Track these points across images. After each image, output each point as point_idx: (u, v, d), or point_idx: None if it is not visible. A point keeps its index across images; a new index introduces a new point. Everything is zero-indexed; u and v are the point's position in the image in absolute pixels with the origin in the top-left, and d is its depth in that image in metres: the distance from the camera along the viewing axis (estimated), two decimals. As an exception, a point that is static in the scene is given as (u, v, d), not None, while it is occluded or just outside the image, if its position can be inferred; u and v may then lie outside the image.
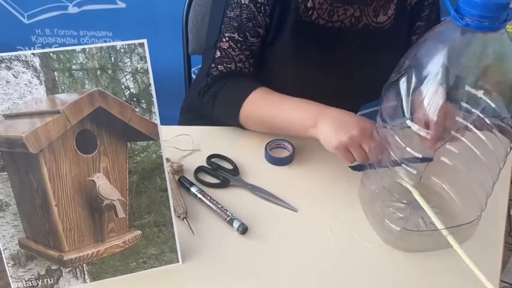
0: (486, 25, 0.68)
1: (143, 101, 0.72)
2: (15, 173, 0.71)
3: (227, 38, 1.04)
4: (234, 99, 1.03)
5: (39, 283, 0.78)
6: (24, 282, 0.77)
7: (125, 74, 0.70)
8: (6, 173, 0.71)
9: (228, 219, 0.89)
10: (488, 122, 0.73)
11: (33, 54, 0.66)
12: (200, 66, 1.20)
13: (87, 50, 0.67)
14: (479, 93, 0.71)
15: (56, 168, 0.71)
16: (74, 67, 0.67)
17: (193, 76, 1.50)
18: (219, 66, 1.06)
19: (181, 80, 1.47)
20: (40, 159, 0.70)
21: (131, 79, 0.70)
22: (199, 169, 1.00)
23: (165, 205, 0.78)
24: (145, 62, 0.70)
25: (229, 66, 1.05)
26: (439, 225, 0.80)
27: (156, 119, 0.73)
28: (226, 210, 0.91)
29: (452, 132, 0.76)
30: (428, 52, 0.74)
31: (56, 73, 0.67)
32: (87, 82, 0.69)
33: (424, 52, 0.75)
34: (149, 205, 0.78)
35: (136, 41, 0.68)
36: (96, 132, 0.72)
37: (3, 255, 0.75)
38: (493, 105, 0.71)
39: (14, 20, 1.81)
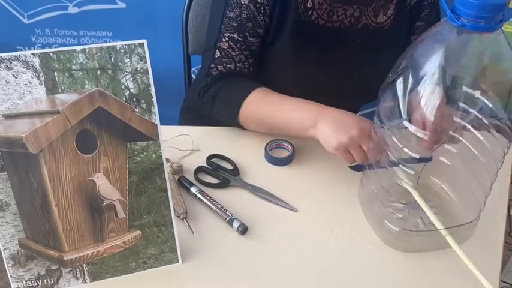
0: (482, 26, 0.67)
1: (143, 101, 0.72)
2: (15, 173, 0.71)
3: (227, 38, 1.04)
4: (234, 99, 1.03)
5: (39, 283, 0.78)
6: (24, 282, 0.77)
7: (125, 74, 0.70)
8: (6, 173, 0.71)
9: (228, 219, 0.89)
10: (485, 121, 0.73)
11: (33, 54, 0.66)
12: (200, 66, 1.21)
13: (87, 50, 0.67)
14: (476, 93, 0.71)
15: (55, 168, 0.71)
16: (73, 67, 0.67)
17: (193, 76, 1.50)
18: (219, 66, 1.06)
19: (181, 80, 1.47)
20: (40, 160, 0.70)
21: (131, 79, 0.70)
22: (199, 169, 1.01)
23: (165, 205, 0.78)
24: (145, 62, 0.70)
25: (228, 66, 1.05)
26: (438, 225, 0.80)
27: (156, 119, 0.73)
28: (226, 211, 0.91)
29: (451, 132, 0.76)
30: (424, 52, 0.74)
31: (55, 73, 0.67)
32: (87, 82, 0.69)
33: (421, 52, 0.75)
34: (149, 205, 0.78)
35: (136, 41, 0.68)
36: (96, 133, 0.72)
37: (3, 255, 0.75)
38: (490, 105, 0.72)
39: (14, 20, 1.81)
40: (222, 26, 1.04)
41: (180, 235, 0.82)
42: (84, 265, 0.78)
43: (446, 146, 0.79)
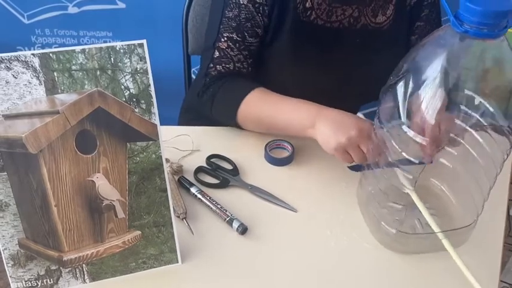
0: (485, 32, 0.67)
1: (143, 101, 0.72)
2: (14, 173, 0.71)
3: (226, 38, 1.04)
4: (232, 99, 1.03)
5: (39, 283, 0.78)
6: (23, 282, 0.77)
7: (125, 74, 0.70)
8: (5, 173, 0.71)
9: (227, 219, 0.90)
10: (486, 126, 0.73)
11: (32, 54, 0.66)
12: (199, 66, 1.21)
13: (87, 50, 0.67)
14: (478, 98, 0.71)
15: (55, 168, 0.71)
16: (73, 67, 0.68)
17: (193, 76, 1.50)
18: (218, 66, 1.06)
19: (181, 80, 1.47)
20: (40, 160, 0.70)
21: (131, 79, 0.70)
22: (199, 169, 1.01)
23: (165, 205, 0.78)
24: (145, 62, 0.70)
25: (227, 66, 1.05)
26: (434, 227, 0.80)
27: (156, 120, 0.73)
28: (226, 211, 0.91)
29: (452, 135, 0.76)
30: (426, 57, 0.74)
31: (55, 73, 0.67)
32: (86, 82, 0.69)
33: (423, 57, 0.75)
34: (149, 205, 0.78)
35: (135, 42, 0.68)
36: (96, 133, 0.72)
37: (2, 255, 0.75)
38: (491, 109, 0.71)
39: (14, 20, 1.81)
40: (221, 26, 1.04)
41: (180, 235, 0.82)
42: (83, 265, 0.78)
43: (446, 148, 0.79)
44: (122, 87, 0.70)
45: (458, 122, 0.74)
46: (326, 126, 0.91)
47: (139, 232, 0.79)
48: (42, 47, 1.88)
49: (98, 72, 0.69)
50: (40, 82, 0.67)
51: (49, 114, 0.69)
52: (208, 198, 0.93)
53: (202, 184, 0.98)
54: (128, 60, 0.69)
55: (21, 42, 1.86)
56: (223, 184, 0.98)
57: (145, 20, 1.78)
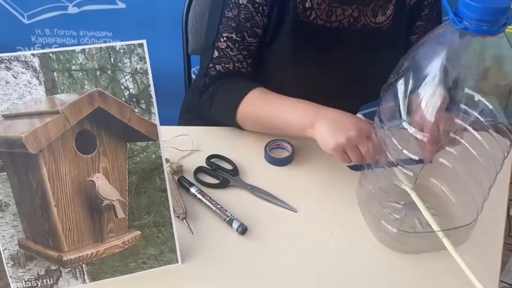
0: (485, 29, 0.67)
1: (142, 101, 0.72)
2: (14, 173, 0.71)
3: (225, 38, 1.04)
4: (232, 99, 1.03)
5: (39, 283, 0.78)
6: (23, 282, 0.77)
7: (125, 74, 0.70)
8: (5, 173, 0.71)
9: (227, 219, 0.90)
10: (486, 124, 0.73)
11: (32, 54, 0.66)
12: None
13: (87, 50, 0.67)
14: (477, 96, 0.71)
15: (55, 168, 0.71)
16: (73, 67, 0.68)
17: (193, 76, 1.50)
18: (217, 66, 1.06)
19: (181, 80, 1.47)
20: (39, 160, 0.70)
21: (131, 79, 0.70)
22: (199, 169, 1.01)
23: (165, 205, 0.78)
24: (145, 62, 0.70)
25: (227, 66, 1.05)
26: (434, 226, 0.80)
27: (156, 120, 0.73)
28: (226, 211, 0.91)
29: (451, 134, 0.76)
30: (426, 54, 0.74)
31: (55, 73, 0.67)
32: (86, 82, 0.69)
33: (423, 54, 0.75)
34: (149, 205, 0.78)
35: (135, 42, 0.68)
36: (96, 133, 0.72)
37: (2, 255, 0.75)
38: (490, 107, 0.71)
39: (14, 20, 1.81)
40: (221, 26, 1.04)
41: (180, 235, 0.82)
42: (83, 265, 0.78)
43: (446, 148, 0.79)
44: (122, 87, 0.70)
45: (458, 121, 0.74)
46: (325, 126, 0.91)
47: (139, 232, 0.79)
48: (42, 47, 1.88)
49: (98, 72, 0.69)
50: (40, 82, 0.67)
51: (49, 114, 0.69)
52: (208, 198, 0.93)
53: (202, 184, 0.98)
54: (128, 60, 0.69)
55: (21, 42, 1.86)
56: (223, 184, 0.98)
57: (145, 20, 1.78)
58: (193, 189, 0.95)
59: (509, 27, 0.69)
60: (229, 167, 1.01)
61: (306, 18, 1.04)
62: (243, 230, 0.88)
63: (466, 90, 0.72)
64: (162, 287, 0.82)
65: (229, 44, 1.04)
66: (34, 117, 0.68)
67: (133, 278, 0.81)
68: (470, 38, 0.69)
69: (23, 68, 0.66)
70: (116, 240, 0.78)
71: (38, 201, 0.73)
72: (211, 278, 0.83)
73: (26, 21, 1.82)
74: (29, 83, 0.67)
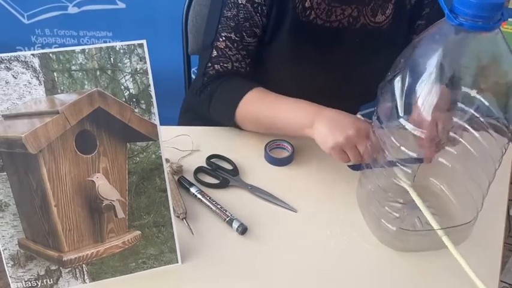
0: (480, 25, 0.67)
1: (143, 101, 0.72)
2: (14, 173, 0.71)
3: (224, 38, 1.04)
4: (230, 99, 1.03)
5: (39, 283, 0.78)
6: (23, 282, 0.77)
7: (125, 74, 0.70)
8: (5, 173, 0.71)
9: (227, 219, 0.90)
10: (482, 120, 0.73)
11: (32, 54, 0.66)
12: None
13: (87, 50, 0.67)
14: (473, 92, 0.71)
15: (55, 168, 0.71)
16: (73, 68, 0.68)
17: (193, 76, 1.50)
18: (216, 65, 1.06)
19: (181, 80, 1.47)
20: (39, 160, 0.70)
21: (131, 80, 0.70)
22: (199, 169, 1.01)
23: (165, 205, 0.78)
24: (145, 62, 0.70)
25: (225, 65, 1.05)
26: (434, 225, 0.80)
27: (156, 120, 0.73)
28: (226, 211, 0.91)
29: (450, 133, 0.76)
30: (422, 52, 0.75)
31: (55, 73, 0.67)
32: (86, 83, 0.69)
33: (419, 52, 0.75)
34: (148, 205, 0.78)
35: (135, 42, 0.68)
36: (96, 133, 0.72)
37: (2, 255, 0.75)
38: (486, 103, 0.72)
39: (14, 20, 1.81)
40: (219, 26, 1.04)
41: (180, 235, 0.82)
42: (83, 265, 0.78)
43: (445, 147, 0.79)
44: (122, 87, 0.70)
45: (456, 120, 0.74)
46: (324, 125, 0.91)
47: (139, 232, 0.79)
48: (42, 47, 1.88)
49: (98, 73, 0.69)
50: (40, 82, 0.67)
51: (49, 114, 0.69)
52: (208, 198, 0.93)
53: (202, 184, 0.98)
54: (128, 60, 0.69)
55: (21, 42, 1.86)
56: (223, 184, 0.98)
57: (145, 20, 1.79)
58: (193, 189, 0.95)
59: (508, 27, 0.69)
60: (229, 167, 1.01)
61: (305, 17, 1.04)
62: (243, 230, 0.88)
63: (462, 87, 0.72)
64: (162, 287, 0.82)
65: (228, 43, 1.04)
66: (34, 117, 0.68)
67: (133, 278, 0.81)
68: (466, 34, 0.69)
69: (23, 68, 0.66)
70: (116, 240, 0.78)
71: (38, 201, 0.73)
72: (211, 278, 0.83)
73: (26, 21, 1.82)
74: (29, 83, 0.67)
